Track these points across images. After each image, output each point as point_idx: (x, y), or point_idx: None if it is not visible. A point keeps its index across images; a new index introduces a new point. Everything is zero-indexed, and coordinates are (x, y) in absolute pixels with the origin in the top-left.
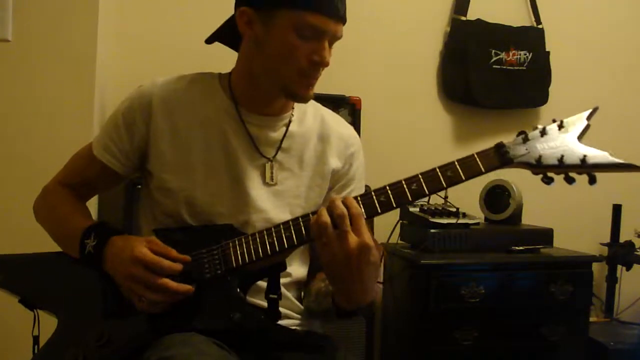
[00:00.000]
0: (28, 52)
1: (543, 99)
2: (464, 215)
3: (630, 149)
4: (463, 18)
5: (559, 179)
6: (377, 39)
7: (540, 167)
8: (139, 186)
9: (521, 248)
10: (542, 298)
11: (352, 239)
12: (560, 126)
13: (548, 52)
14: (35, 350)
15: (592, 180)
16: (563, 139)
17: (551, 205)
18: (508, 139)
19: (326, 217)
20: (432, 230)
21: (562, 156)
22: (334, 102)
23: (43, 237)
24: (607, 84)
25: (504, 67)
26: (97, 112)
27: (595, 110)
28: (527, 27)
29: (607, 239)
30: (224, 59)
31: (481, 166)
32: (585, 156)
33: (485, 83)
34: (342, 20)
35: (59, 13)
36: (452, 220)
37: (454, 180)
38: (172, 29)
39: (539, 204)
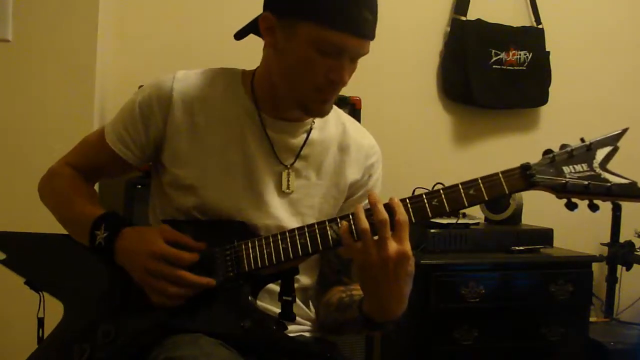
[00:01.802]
0: (28, 52)
1: (543, 99)
2: (464, 215)
3: (631, 149)
4: (463, 18)
5: (582, 204)
6: (377, 39)
7: (565, 193)
8: (139, 186)
9: (521, 248)
10: (542, 298)
11: (392, 246)
12: (589, 148)
13: (548, 52)
14: (40, 333)
15: (617, 210)
16: (590, 163)
17: (551, 205)
18: (508, 139)
19: (365, 224)
20: (432, 230)
21: (589, 183)
22: (334, 102)
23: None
24: (607, 84)
25: (504, 67)
26: (97, 112)
27: (624, 131)
28: (527, 27)
29: (607, 239)
30: (225, 59)
31: (505, 187)
32: (612, 185)
33: (485, 83)
34: (367, 37)
35: (59, 13)
36: (452, 220)
37: (475, 200)
38: (172, 29)
39: (539, 204)
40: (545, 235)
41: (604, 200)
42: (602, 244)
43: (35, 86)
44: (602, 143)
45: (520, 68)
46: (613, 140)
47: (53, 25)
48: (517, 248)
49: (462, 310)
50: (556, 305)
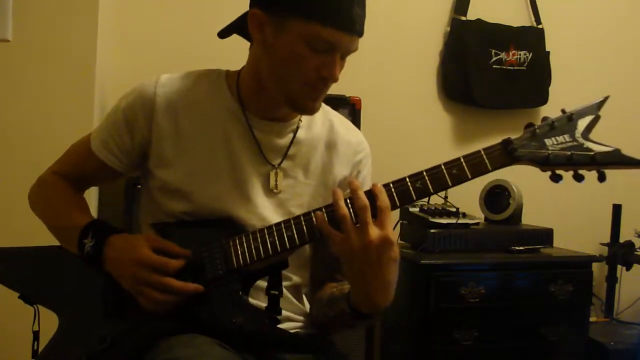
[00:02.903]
0: (28, 52)
1: (543, 99)
2: (464, 215)
3: (631, 149)
4: (463, 18)
5: (567, 175)
6: (377, 39)
7: (548, 165)
8: (139, 186)
9: (521, 248)
10: (542, 298)
11: (373, 231)
12: (570, 118)
13: (548, 52)
14: (35, 346)
15: (602, 178)
16: (572, 133)
17: (551, 205)
18: None
19: (344, 210)
20: (432, 230)
21: (572, 153)
22: (334, 102)
23: (44, 238)
24: (607, 84)
25: (504, 67)
26: (97, 112)
27: (605, 99)
28: (527, 27)
29: (607, 239)
30: (225, 59)
31: (488, 164)
32: (595, 153)
33: (485, 83)
34: (358, 34)
35: (59, 13)
36: (452, 220)
37: (459, 179)
38: (172, 29)
39: (539, 204)
40: (545, 235)
41: (589, 170)
42: (602, 244)
43: (35, 86)
44: (582, 112)
45: (520, 68)
46: (594, 109)
47: (53, 25)
48: (517, 248)
49: (462, 310)
50: (556, 305)
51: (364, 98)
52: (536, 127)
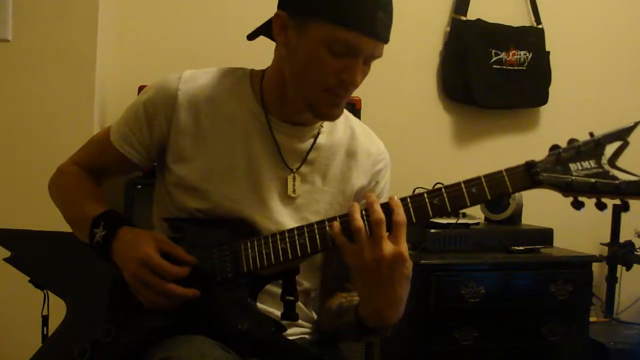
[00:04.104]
0: (28, 52)
1: (543, 99)
2: (464, 215)
3: (630, 149)
4: (463, 18)
5: (590, 202)
6: None
7: (571, 191)
8: (139, 186)
9: (521, 248)
10: (542, 298)
11: (387, 246)
12: (597, 143)
13: (548, 52)
14: (44, 331)
15: (625, 208)
16: (599, 159)
17: (551, 205)
18: (508, 139)
19: (359, 223)
20: (432, 230)
21: (596, 181)
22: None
23: None
24: (607, 84)
25: (504, 67)
26: (97, 112)
27: (636, 124)
28: (527, 27)
29: (607, 239)
30: (225, 59)
31: (509, 186)
32: (620, 182)
33: (485, 83)
34: (381, 39)
35: (59, 13)
36: (452, 220)
37: (478, 199)
38: (172, 29)
39: (539, 204)
40: (545, 235)
41: (612, 199)
42: (602, 244)
43: (35, 86)
44: (611, 138)
45: (520, 68)
46: (623, 135)
47: (53, 25)
48: (517, 248)
49: (462, 310)
50: (556, 305)
51: (364, 98)
52: (561, 150)
